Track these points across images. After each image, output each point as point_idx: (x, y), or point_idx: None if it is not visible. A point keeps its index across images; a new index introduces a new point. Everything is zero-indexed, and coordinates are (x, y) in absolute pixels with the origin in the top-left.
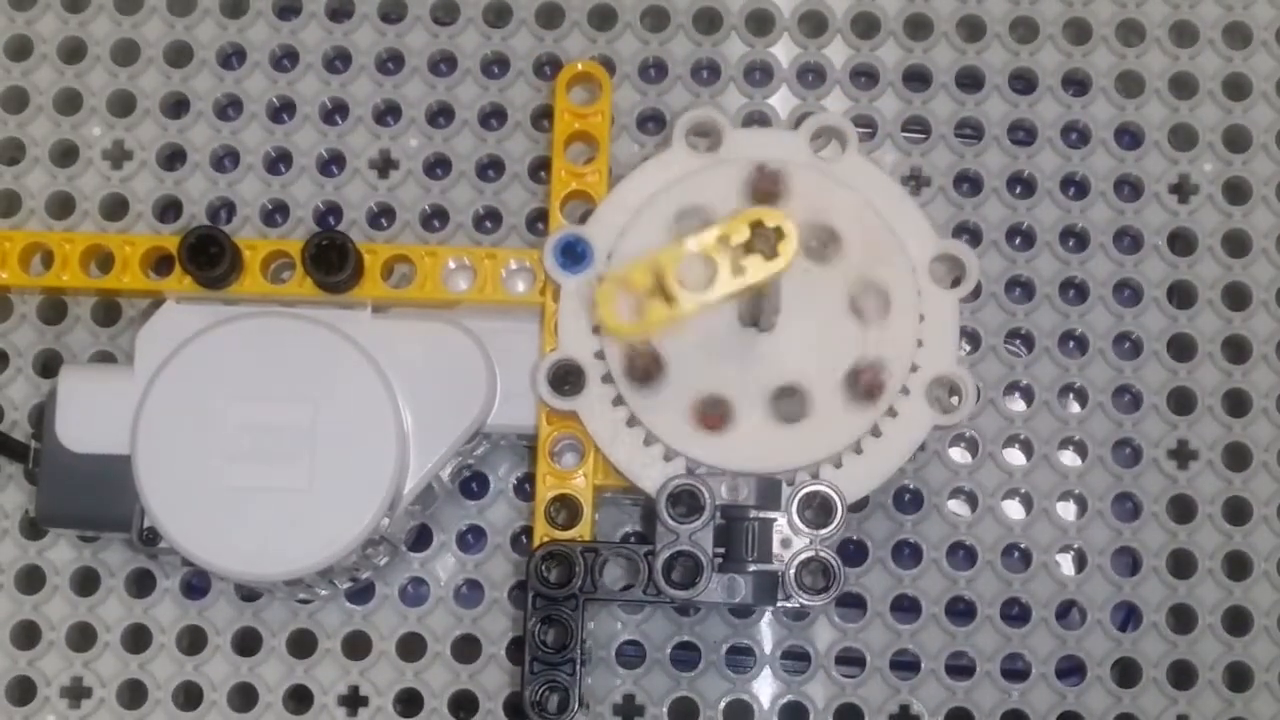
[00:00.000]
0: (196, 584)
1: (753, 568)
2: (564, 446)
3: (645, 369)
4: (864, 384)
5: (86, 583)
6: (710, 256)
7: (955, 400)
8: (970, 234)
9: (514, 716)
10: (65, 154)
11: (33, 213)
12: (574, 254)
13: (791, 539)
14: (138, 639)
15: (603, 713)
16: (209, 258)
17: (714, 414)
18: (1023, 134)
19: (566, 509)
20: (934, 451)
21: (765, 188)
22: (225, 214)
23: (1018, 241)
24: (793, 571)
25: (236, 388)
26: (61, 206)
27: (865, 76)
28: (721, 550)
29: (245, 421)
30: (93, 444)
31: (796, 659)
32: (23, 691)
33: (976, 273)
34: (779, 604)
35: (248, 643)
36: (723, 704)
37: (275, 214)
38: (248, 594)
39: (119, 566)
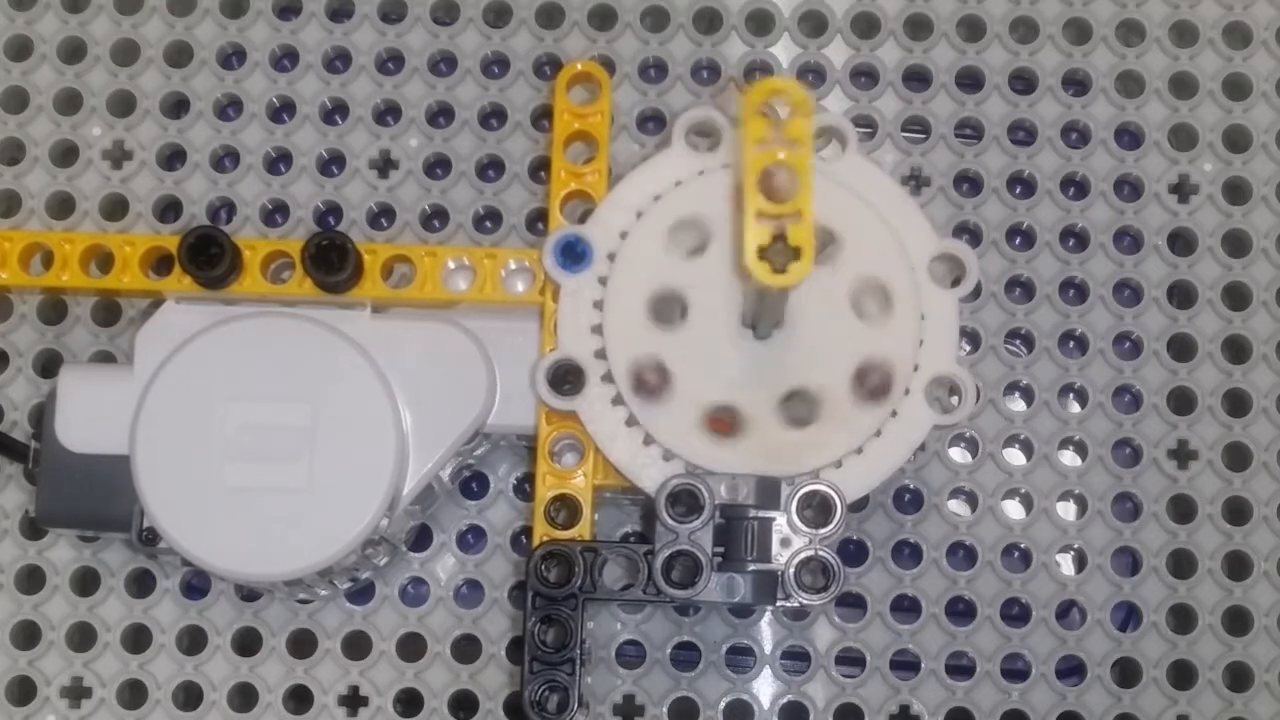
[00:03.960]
0: (196, 584)
1: (752, 567)
2: (563, 446)
3: (653, 386)
4: (870, 385)
5: (86, 583)
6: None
7: (955, 400)
8: (970, 234)
9: (514, 716)
10: (65, 154)
11: (33, 213)
12: (573, 253)
13: (791, 538)
14: (138, 639)
15: (603, 713)
16: (209, 258)
17: (724, 421)
18: (1023, 134)
19: (566, 509)
20: (934, 451)
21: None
22: (225, 214)
23: (1018, 241)
24: (792, 571)
25: (236, 388)
26: (61, 206)
27: (865, 76)
28: (721, 550)
29: (245, 421)
30: (92, 444)
31: (796, 659)
32: (23, 691)
33: (976, 272)
34: (778, 603)
35: (248, 643)
36: (723, 704)
37: (275, 214)
38: (248, 594)
39: (119, 566)
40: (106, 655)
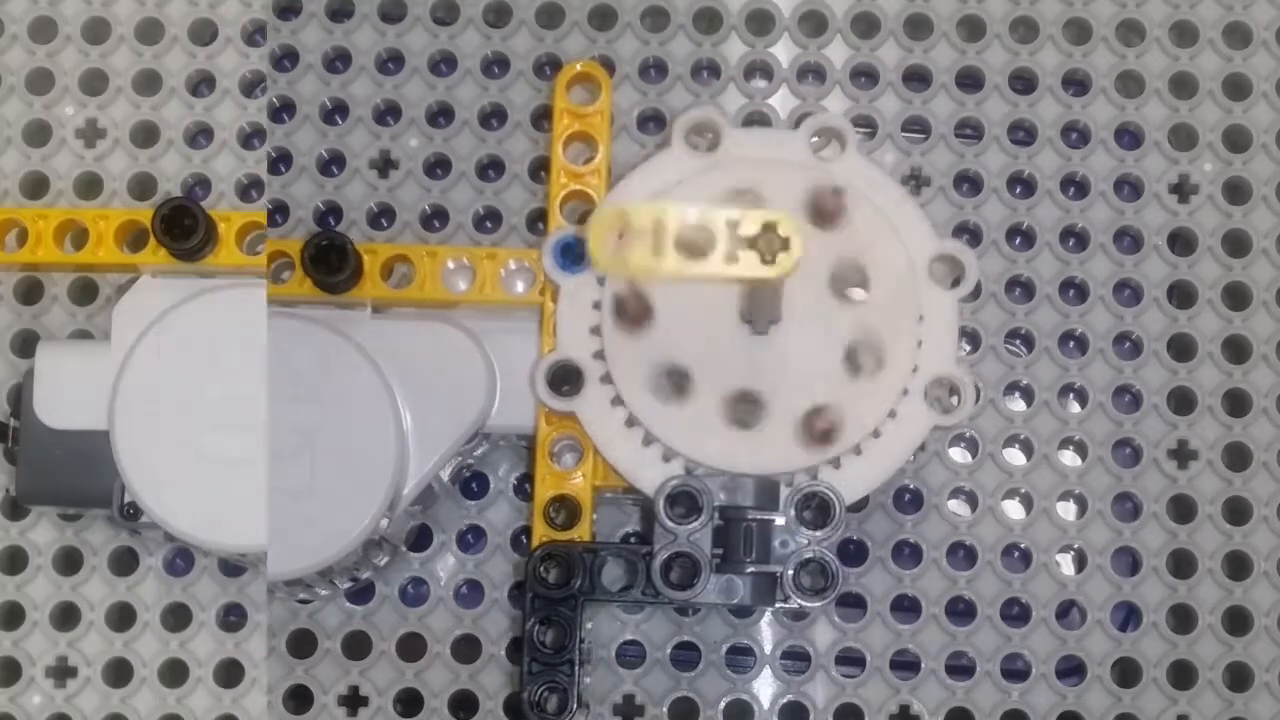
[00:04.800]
0: (179, 561)
1: (751, 569)
2: (563, 447)
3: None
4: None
5: (69, 562)
6: (712, 233)
7: (955, 400)
8: (970, 234)
9: (514, 716)
10: (38, 133)
11: (6, 193)
12: (573, 254)
13: (790, 540)
14: (122, 617)
15: (603, 713)
16: (183, 229)
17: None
18: (1023, 134)
19: (565, 510)
20: (934, 451)
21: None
22: (200, 191)
23: (1018, 241)
24: (791, 572)
25: (211, 359)
26: (35, 186)
27: (865, 76)
28: (720, 551)
29: (221, 393)
30: (72, 420)
31: (796, 659)
32: (8, 672)
33: (976, 273)
34: (777, 605)
35: (231, 619)
36: (723, 704)
37: (275, 214)
38: (231, 569)
39: (101, 545)
40: (91, 634)
